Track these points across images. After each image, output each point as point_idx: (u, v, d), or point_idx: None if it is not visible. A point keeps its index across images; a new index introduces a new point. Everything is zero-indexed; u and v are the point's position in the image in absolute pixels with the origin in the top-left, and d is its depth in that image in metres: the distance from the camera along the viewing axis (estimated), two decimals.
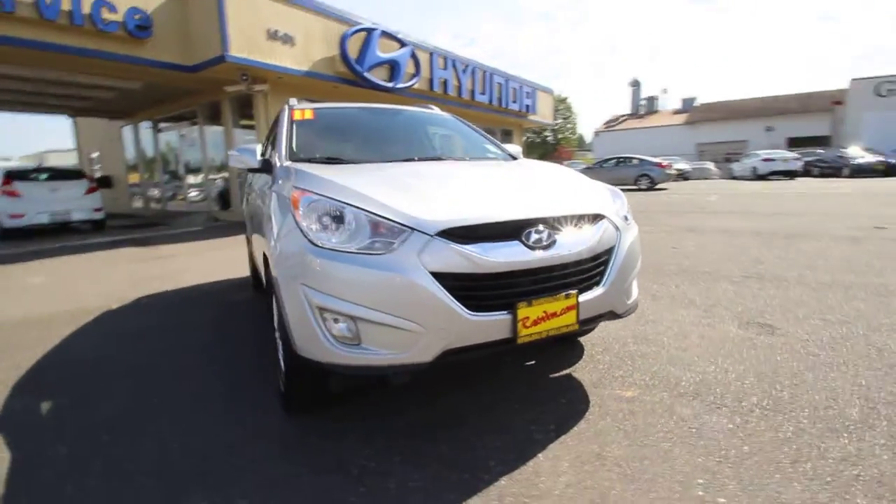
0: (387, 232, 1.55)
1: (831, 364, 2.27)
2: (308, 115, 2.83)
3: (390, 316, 1.49)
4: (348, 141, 2.85)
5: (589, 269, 1.78)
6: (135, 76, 8.11)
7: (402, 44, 10.43)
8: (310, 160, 2.35)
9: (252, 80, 8.15)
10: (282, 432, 1.90)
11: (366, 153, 2.65)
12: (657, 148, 34.78)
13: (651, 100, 45.74)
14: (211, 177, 11.14)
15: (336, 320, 1.54)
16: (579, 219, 1.78)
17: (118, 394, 2.33)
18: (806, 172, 20.52)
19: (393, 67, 10.23)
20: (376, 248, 1.53)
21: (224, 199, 10.86)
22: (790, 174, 19.73)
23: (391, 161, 2.49)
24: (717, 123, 35.27)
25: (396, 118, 3.27)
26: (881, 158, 18.44)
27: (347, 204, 1.62)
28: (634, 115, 45.15)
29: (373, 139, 2.93)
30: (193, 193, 12.01)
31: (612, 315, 1.89)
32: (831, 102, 27.63)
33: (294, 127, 2.66)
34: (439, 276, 1.51)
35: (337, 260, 1.53)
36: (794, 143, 29.15)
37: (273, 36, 8.13)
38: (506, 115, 15.29)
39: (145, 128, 12.84)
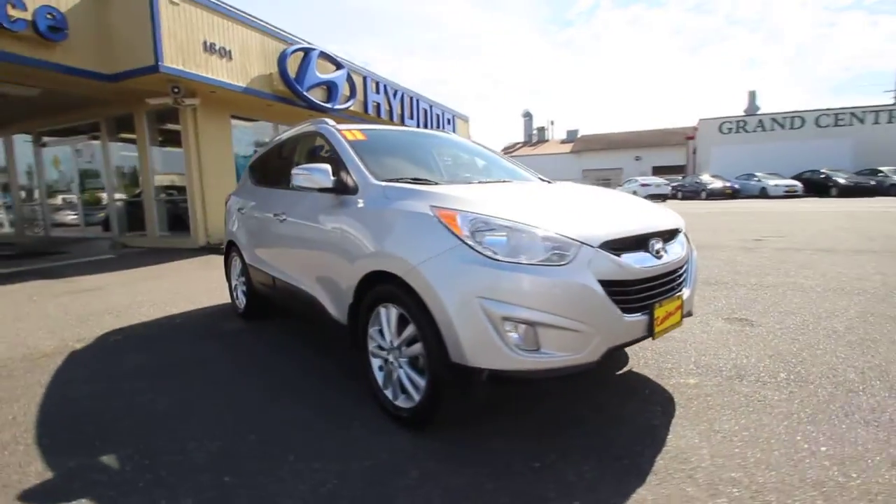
0: (561, 246, 1.74)
1: (812, 345, 2.91)
2: (359, 135, 2.86)
3: (569, 320, 1.68)
4: (412, 162, 2.92)
5: (682, 275, 2.14)
6: (38, 82, 6.98)
7: (339, 66, 10.39)
8: (397, 180, 2.41)
9: (183, 93, 7.50)
10: (433, 449, 1.93)
11: (437, 174, 2.75)
12: (549, 173, 38.29)
13: (541, 130, 50.46)
14: (117, 197, 9.81)
15: (517, 328, 1.67)
16: (672, 232, 2.15)
17: (213, 437, 2.11)
18: (672, 196, 24.24)
19: (330, 89, 10.12)
20: (554, 261, 1.71)
21: (135, 222, 9.63)
22: (662, 197, 23.16)
23: (466, 183, 2.65)
24: (597, 153, 39.93)
25: (439, 140, 3.41)
26: (728, 184, 22.59)
27: (517, 222, 1.77)
28: (528, 143, 49.30)
29: (432, 160, 3.04)
30: (92, 216, 10.43)
31: (688, 314, 2.27)
32: (685, 137, 33.18)
33: (354, 148, 2.67)
34: (602, 284, 1.74)
35: (521, 272, 1.68)
36: (657, 170, 34.16)
37: (210, 49, 7.60)
38: None
39: (23, 141, 10.87)
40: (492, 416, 2.15)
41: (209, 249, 8.50)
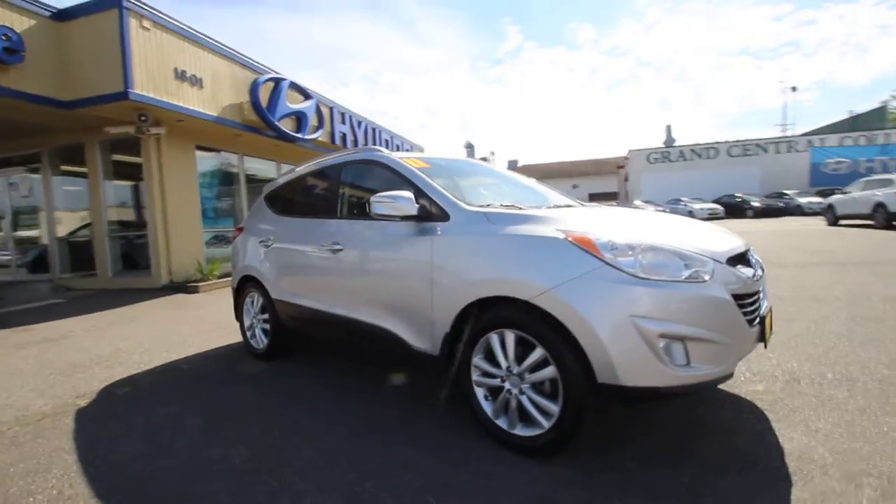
0: (701, 263, 1.85)
1: (831, 347, 3.23)
2: (423, 164, 2.86)
3: (715, 333, 1.78)
4: (482, 189, 2.95)
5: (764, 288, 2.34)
6: None
7: (308, 96, 10.26)
8: (488, 205, 2.44)
9: (150, 121, 7.03)
10: (573, 477, 1.92)
11: (504, 200, 2.78)
12: None
13: (483, 160, 52.34)
14: (60, 235, 8.82)
15: (671, 345, 1.74)
16: (748, 250, 2.35)
17: (331, 490, 1.95)
18: None
19: (300, 119, 9.94)
20: (697, 278, 1.81)
21: (79, 262, 8.69)
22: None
23: (549, 207, 2.73)
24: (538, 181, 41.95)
25: (481, 167, 3.48)
26: (660, 208, 24.62)
27: (657, 243, 1.87)
28: None
29: (487, 187, 3.08)
30: (27, 256, 9.27)
31: None
32: (617, 166, 35.94)
33: (429, 176, 2.67)
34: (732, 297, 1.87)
35: (672, 289, 1.77)
36: (593, 197, 36.50)
37: (181, 76, 7.22)
38: None
39: None
40: (605, 442, 2.17)
41: (173, 288, 7.85)
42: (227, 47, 8.32)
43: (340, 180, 3.26)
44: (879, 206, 12.80)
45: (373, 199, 2.52)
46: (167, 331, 5.08)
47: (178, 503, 1.87)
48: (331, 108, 11.52)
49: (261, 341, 3.83)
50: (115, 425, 2.67)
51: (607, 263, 1.83)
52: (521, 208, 2.46)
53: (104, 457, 2.30)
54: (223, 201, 9.75)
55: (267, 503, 1.82)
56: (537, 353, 1.97)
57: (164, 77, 6.94)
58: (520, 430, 2.07)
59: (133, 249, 8.77)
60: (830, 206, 15.24)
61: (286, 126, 9.48)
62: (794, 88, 58.91)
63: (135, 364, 3.91)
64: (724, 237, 2.27)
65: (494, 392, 2.20)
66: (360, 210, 3.33)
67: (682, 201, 24.99)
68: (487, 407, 2.20)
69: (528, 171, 44.31)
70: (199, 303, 6.92)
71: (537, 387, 2.02)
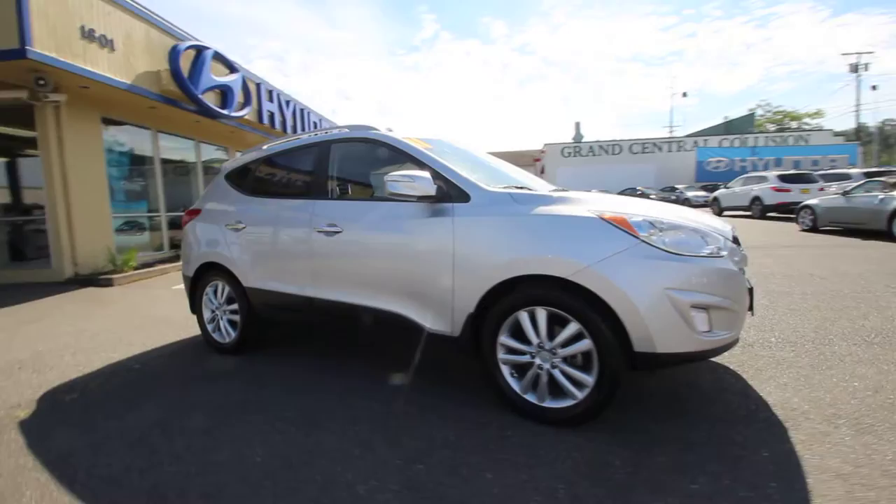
0: (718, 240, 2.07)
1: (763, 316, 3.77)
2: (426, 144, 2.81)
3: (731, 301, 2.02)
4: (476, 171, 2.93)
5: None
6: None
7: (234, 69, 9.39)
8: (505, 187, 2.49)
9: (50, 86, 5.98)
10: (610, 440, 2.06)
11: (508, 183, 2.81)
12: None
13: None
14: None
15: (698, 314, 1.93)
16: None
17: (386, 480, 1.88)
18: None
19: (225, 93, 9.07)
20: (716, 253, 2.03)
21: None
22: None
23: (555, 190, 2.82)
24: None
25: (472, 152, 3.47)
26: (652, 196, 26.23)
27: (683, 223, 2.05)
28: None
29: (488, 169, 3.08)
30: None
31: None
32: (533, 159, 37.73)
33: (436, 156, 2.63)
34: None
35: (701, 264, 1.97)
36: None
37: (89, 36, 6.20)
38: None
39: None
40: (618, 409, 2.33)
41: (80, 282, 6.83)
42: (143, 7, 7.30)
43: (330, 159, 3.08)
44: (756, 199, 14.99)
45: (388, 177, 2.44)
46: (92, 329, 4.44)
47: None
48: (258, 85, 10.65)
49: (227, 334, 3.52)
50: (83, 435, 2.32)
51: (642, 241, 1.97)
52: (533, 190, 2.54)
53: (89, 471, 1.99)
54: (135, 183, 8.63)
55: (323, 499, 1.72)
56: (571, 328, 2.07)
57: (69, 35, 5.92)
58: (550, 403, 2.17)
59: (20, 237, 7.46)
60: (716, 199, 17.49)
61: (210, 100, 8.61)
62: (684, 94, 66.35)
63: (70, 367, 3.39)
64: (718, 220, 2.55)
65: (520, 368, 2.27)
66: (358, 190, 3.18)
67: (677, 188, 26.11)
68: (514, 383, 2.27)
69: None
70: (117, 297, 6.11)
71: (569, 360, 2.13)
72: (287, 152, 3.41)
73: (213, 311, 3.63)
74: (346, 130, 3.14)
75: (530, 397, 2.22)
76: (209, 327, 3.65)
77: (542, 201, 2.26)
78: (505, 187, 2.47)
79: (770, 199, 14.48)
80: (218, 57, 8.88)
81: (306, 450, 2.07)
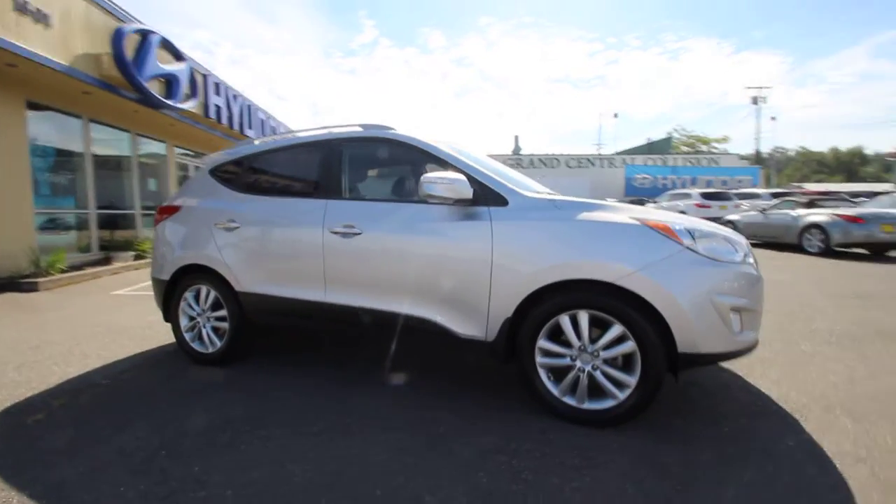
0: (741, 248, 2.25)
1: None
2: (450, 148, 2.78)
3: (758, 304, 2.20)
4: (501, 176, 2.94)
5: None
6: None
7: (181, 58, 8.67)
8: (533, 192, 2.54)
9: None
10: (651, 442, 2.14)
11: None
12: None
13: None
14: None
15: (734, 316, 2.08)
16: None
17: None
18: None
19: (171, 83, 8.35)
20: (745, 260, 2.20)
21: None
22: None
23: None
24: None
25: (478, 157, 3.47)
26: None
27: (718, 231, 2.20)
28: None
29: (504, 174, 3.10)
30: None
31: None
32: None
33: (466, 160, 2.63)
34: None
35: (738, 269, 2.14)
36: None
37: (22, 8, 5.42)
38: None
39: None
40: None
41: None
42: None
43: (342, 158, 2.95)
44: (682, 213, 16.42)
45: (425, 179, 2.39)
46: (31, 340, 3.88)
47: None
48: (205, 77, 9.94)
49: (211, 343, 3.23)
50: (71, 463, 2.01)
51: (686, 247, 2.10)
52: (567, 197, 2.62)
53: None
54: (61, 175, 7.65)
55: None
56: (615, 330, 2.14)
57: (1, 7, 5.16)
58: (589, 405, 2.23)
59: None
60: None
61: (154, 89, 7.89)
62: (615, 115, 71.35)
63: (19, 384, 2.94)
64: (731, 230, 2.78)
65: (558, 371, 2.31)
66: (374, 191, 3.07)
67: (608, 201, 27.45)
68: (552, 386, 2.30)
69: None
70: (49, 304, 5.38)
71: (610, 362, 2.19)
72: (288, 149, 3.22)
73: (192, 319, 3.31)
74: (359, 129, 3.04)
75: (569, 400, 2.26)
76: (187, 336, 3.33)
77: (585, 208, 2.32)
78: (539, 194, 2.52)
79: (694, 214, 15.94)
80: (165, 44, 8.17)
81: (351, 462, 1.95)
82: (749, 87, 52.42)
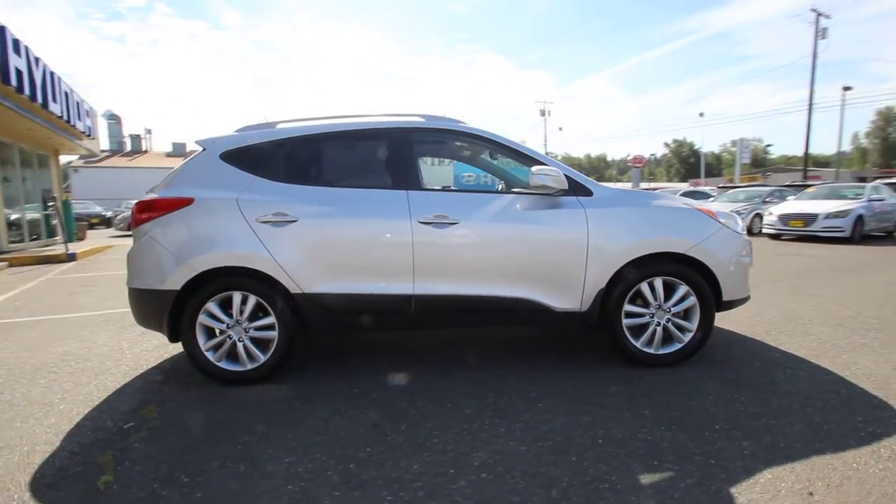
0: (740, 223, 3.16)
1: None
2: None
3: (751, 262, 3.16)
4: None
5: None
6: None
7: None
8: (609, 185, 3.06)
9: None
10: (709, 377, 2.90)
11: None
12: None
13: (135, 138, 42.06)
14: None
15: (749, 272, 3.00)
16: None
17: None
18: None
19: None
20: (743, 230, 3.13)
21: None
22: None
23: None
24: None
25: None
26: None
27: (728, 212, 3.07)
28: (118, 152, 39.88)
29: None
30: None
31: None
32: None
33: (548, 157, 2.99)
34: None
35: (743, 237, 3.03)
36: None
37: None
38: (64, 136, 11.15)
39: None
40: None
41: None
42: None
43: (412, 148, 2.95)
44: None
45: (536, 170, 2.72)
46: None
47: None
48: (2, 28, 7.32)
49: (251, 358, 2.81)
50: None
51: (723, 225, 2.91)
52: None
53: None
54: None
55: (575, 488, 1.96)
56: (682, 290, 2.84)
57: None
58: (662, 350, 2.90)
59: None
60: None
61: None
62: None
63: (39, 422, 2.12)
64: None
65: (636, 329, 2.89)
66: (447, 182, 3.10)
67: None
68: (634, 341, 2.88)
69: None
70: None
71: (678, 315, 2.89)
72: (340, 136, 3.00)
73: (221, 333, 2.81)
74: (421, 120, 3.06)
75: (648, 349, 2.88)
76: (211, 356, 2.80)
77: (652, 196, 2.96)
78: (609, 186, 3.06)
79: None
80: None
81: (463, 457, 2.01)
82: (537, 101, 62.65)
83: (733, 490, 1.68)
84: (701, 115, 52.46)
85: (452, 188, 3.23)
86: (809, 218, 10.33)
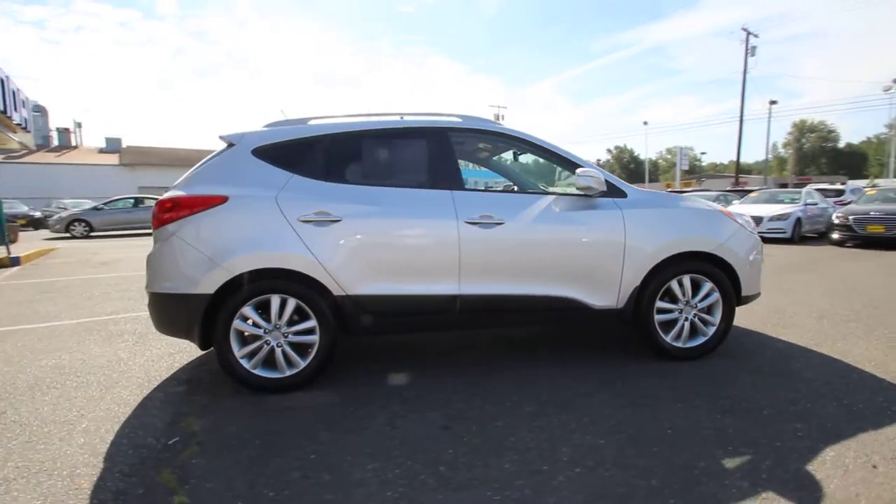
0: (753, 223, 3.40)
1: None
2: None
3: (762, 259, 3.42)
4: None
5: None
6: None
7: None
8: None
9: None
10: (733, 371, 3.11)
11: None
12: (90, 187, 31.02)
13: (64, 132, 38.52)
14: None
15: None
16: None
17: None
18: None
19: None
20: (755, 230, 3.37)
21: None
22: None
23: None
24: (157, 168, 35.26)
25: None
26: None
27: (742, 214, 3.29)
28: (44, 147, 36.33)
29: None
30: None
31: None
32: None
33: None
34: None
35: (757, 237, 3.26)
36: None
37: None
38: None
39: None
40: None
41: None
42: None
43: (452, 148, 2.94)
44: None
45: (581, 171, 2.82)
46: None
47: None
48: None
49: (289, 364, 2.69)
50: None
51: (742, 226, 3.13)
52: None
53: None
54: None
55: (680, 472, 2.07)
56: (707, 286, 3.03)
57: None
58: (689, 344, 3.07)
59: None
60: None
61: None
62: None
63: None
64: None
65: (666, 324, 3.04)
66: (486, 182, 3.10)
67: None
68: (664, 334, 3.03)
69: (144, 154, 36.16)
70: None
71: (703, 310, 3.07)
72: (379, 134, 2.95)
73: (256, 339, 2.66)
74: (458, 119, 3.07)
75: (676, 343, 3.04)
76: (246, 363, 2.66)
77: (680, 198, 3.13)
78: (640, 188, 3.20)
79: None
80: None
81: (549, 458, 2.20)
82: (491, 106, 63.98)
83: (809, 468, 1.82)
84: (645, 123, 55.59)
85: (494, 189, 3.23)
86: (755, 220, 11.27)
